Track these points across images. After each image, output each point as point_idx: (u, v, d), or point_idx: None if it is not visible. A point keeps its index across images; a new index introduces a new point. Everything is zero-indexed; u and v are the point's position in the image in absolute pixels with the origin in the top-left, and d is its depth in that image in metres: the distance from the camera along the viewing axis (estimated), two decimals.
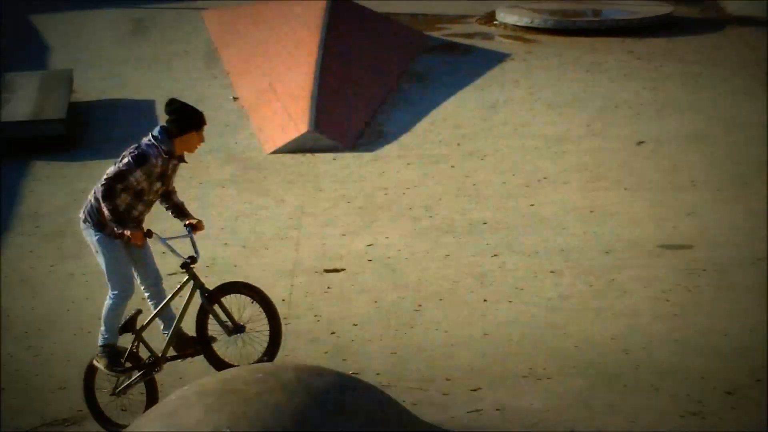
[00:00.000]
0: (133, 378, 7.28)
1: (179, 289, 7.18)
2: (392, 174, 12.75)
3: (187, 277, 7.08)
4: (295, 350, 8.55)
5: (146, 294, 7.30)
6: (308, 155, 13.29)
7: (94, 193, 6.91)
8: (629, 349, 8.64)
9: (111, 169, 6.83)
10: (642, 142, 13.89)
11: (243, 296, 7.20)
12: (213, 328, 7.18)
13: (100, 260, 7.03)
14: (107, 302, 7.11)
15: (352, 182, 12.54)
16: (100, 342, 7.19)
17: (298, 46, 15.79)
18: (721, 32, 20.60)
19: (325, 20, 16.23)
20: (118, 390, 7.31)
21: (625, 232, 11.04)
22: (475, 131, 14.03)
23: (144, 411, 7.01)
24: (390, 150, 13.46)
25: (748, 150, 13.30)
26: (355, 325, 9.19)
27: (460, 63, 16.67)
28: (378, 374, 8.18)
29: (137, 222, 7.00)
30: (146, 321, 7.37)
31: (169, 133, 6.86)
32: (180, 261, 7.05)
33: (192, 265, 7.03)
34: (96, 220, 6.90)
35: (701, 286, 9.73)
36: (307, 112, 13.87)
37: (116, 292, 7.03)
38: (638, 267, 10.18)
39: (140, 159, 6.77)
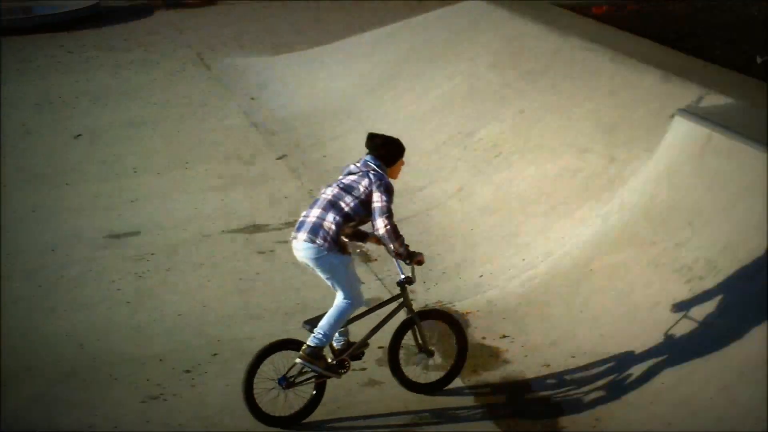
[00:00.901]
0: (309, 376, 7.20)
1: (390, 302, 7.47)
2: None
3: (399, 293, 7.36)
4: None
5: None
6: None
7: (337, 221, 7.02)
8: (85, 343, 8.41)
9: (381, 206, 6.99)
10: (79, 135, 13.70)
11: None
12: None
13: (339, 278, 7.11)
14: (341, 306, 7.14)
15: None
16: (313, 343, 7.08)
17: None
18: (150, 18, 20.93)
19: None
20: (289, 381, 7.13)
21: (68, 227, 10.79)
22: None
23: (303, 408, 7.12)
24: None
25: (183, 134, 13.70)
26: None
27: None
28: None
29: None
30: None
31: (384, 163, 7.18)
32: (399, 278, 7.33)
33: (407, 285, 7.30)
34: (336, 244, 7.04)
35: (150, 270, 9.74)
36: None
37: (349, 301, 7.13)
38: (86, 260, 9.98)
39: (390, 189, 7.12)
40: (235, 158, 12.78)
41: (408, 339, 7.47)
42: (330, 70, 15.69)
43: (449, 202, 10.73)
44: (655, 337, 7.43)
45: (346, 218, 7.04)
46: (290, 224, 10.51)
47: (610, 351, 7.56)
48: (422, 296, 8.95)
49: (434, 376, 7.55)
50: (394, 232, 7.01)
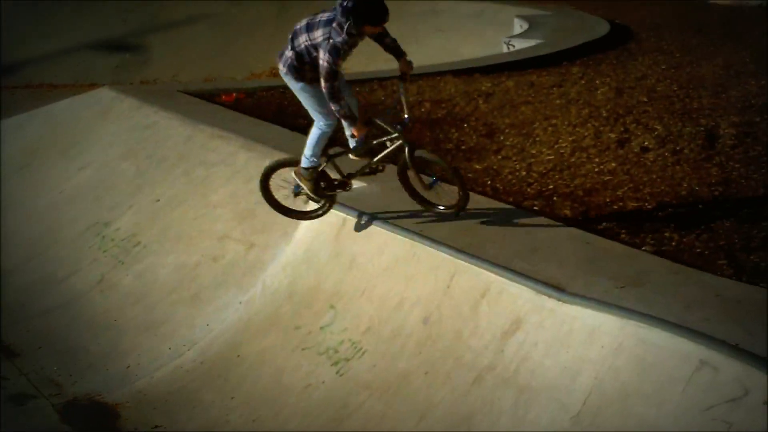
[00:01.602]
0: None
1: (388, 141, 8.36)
2: None
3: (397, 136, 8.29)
4: None
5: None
6: None
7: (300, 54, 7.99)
8: None
9: (322, 65, 7.69)
10: None
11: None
12: None
13: (303, 102, 8.26)
14: (313, 131, 8.32)
15: None
16: (304, 164, 8.47)
17: None
18: None
19: None
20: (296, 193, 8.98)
21: None
22: None
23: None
24: None
25: None
26: None
27: None
28: None
29: None
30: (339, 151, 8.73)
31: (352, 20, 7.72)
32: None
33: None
34: (294, 71, 8.07)
35: None
36: None
37: (315, 123, 8.21)
38: None
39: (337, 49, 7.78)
40: None
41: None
42: None
43: (91, 293, 10.54)
44: (307, 422, 7.65)
45: (298, 56, 7.90)
46: None
47: None
48: (69, 390, 8.72)
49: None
50: (332, 95, 7.69)
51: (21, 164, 14.18)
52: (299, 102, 8.47)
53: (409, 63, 8.15)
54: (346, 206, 9.32)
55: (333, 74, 7.68)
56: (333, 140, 8.76)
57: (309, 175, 8.62)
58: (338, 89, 7.78)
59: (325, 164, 8.71)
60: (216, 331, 9.18)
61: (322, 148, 8.53)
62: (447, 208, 8.71)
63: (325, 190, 8.83)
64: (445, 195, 8.58)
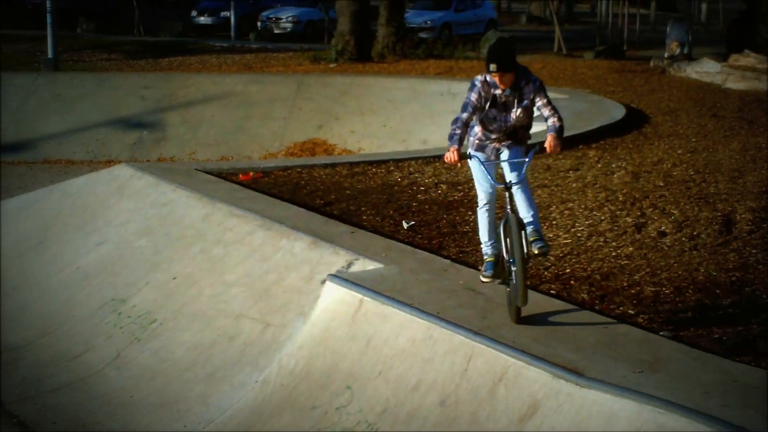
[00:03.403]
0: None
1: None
2: None
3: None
4: None
5: None
6: None
7: None
8: None
9: None
10: None
11: None
12: None
13: None
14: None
15: None
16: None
17: None
18: None
19: None
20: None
21: None
22: None
23: None
24: None
25: None
26: None
27: None
28: None
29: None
30: None
31: None
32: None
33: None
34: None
35: None
36: None
37: None
38: None
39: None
40: None
41: None
42: None
43: (106, 370, 10.52)
44: None
45: None
46: None
47: None
48: None
49: None
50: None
51: (38, 240, 14.25)
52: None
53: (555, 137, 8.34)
54: (364, 287, 9.33)
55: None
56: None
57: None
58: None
59: None
60: (232, 411, 9.13)
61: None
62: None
63: None
64: None
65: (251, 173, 14.66)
